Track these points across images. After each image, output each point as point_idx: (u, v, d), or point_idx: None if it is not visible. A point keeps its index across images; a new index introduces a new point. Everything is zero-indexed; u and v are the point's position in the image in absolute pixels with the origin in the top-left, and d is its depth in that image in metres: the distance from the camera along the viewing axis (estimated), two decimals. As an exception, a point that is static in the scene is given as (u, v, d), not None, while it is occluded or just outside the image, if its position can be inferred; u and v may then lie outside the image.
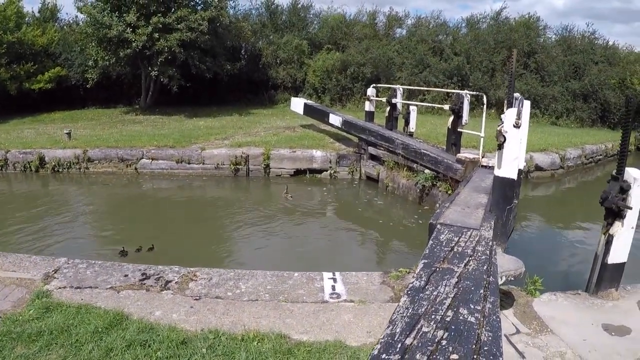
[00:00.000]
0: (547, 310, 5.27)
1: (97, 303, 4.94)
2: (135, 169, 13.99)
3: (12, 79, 21.87)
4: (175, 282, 5.42)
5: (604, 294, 5.71)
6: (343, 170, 13.88)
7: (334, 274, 5.71)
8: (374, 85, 15.77)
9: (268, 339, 4.34)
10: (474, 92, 12.09)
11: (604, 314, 5.28)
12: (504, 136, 5.71)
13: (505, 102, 6.46)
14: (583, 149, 16.91)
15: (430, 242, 4.55)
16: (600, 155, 18.07)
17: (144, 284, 5.39)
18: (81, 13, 20.53)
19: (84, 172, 13.96)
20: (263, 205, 11.35)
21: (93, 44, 20.31)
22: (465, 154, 10.01)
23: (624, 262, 5.71)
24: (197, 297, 5.13)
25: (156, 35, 19.09)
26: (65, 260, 6.02)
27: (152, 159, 14.02)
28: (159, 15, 19.20)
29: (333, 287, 5.39)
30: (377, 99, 15.27)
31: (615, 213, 5.56)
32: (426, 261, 3.91)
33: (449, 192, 9.93)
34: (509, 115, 5.68)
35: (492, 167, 7.82)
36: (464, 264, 3.88)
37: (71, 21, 27.67)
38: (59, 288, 5.30)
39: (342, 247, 9.22)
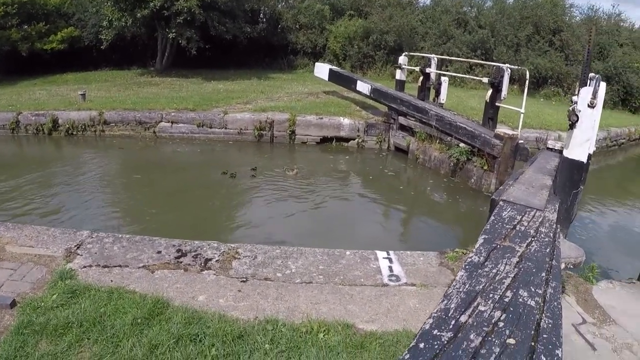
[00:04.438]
0: (607, 299, 5.05)
1: (130, 286, 4.30)
2: (154, 132, 13.33)
3: (23, 39, 21.18)
4: (217, 261, 4.80)
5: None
6: (371, 140, 13.22)
7: (388, 254, 5.31)
8: (407, 53, 14.93)
9: (335, 330, 3.83)
10: (515, 67, 11.39)
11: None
12: (576, 115, 5.40)
13: (579, 81, 6.07)
14: (609, 132, 16.01)
15: (492, 217, 4.37)
16: (624, 138, 17.12)
17: (181, 262, 4.75)
18: (97, -30, 19.65)
19: (99, 135, 13.33)
20: (286, 174, 10.63)
21: (108, 4, 19.36)
22: (503, 129, 9.75)
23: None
24: (244, 279, 4.50)
25: (175, -6, 18.10)
26: (89, 234, 5.36)
27: (172, 122, 13.34)
28: (179, -27, 18.16)
29: (390, 269, 4.98)
30: (408, 67, 14.49)
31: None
32: (486, 237, 3.71)
33: (484, 167, 9.83)
34: (584, 94, 5.34)
35: (558, 150, 7.43)
36: (526, 244, 3.68)
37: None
38: (84, 267, 4.65)
39: (373, 220, 8.64)
